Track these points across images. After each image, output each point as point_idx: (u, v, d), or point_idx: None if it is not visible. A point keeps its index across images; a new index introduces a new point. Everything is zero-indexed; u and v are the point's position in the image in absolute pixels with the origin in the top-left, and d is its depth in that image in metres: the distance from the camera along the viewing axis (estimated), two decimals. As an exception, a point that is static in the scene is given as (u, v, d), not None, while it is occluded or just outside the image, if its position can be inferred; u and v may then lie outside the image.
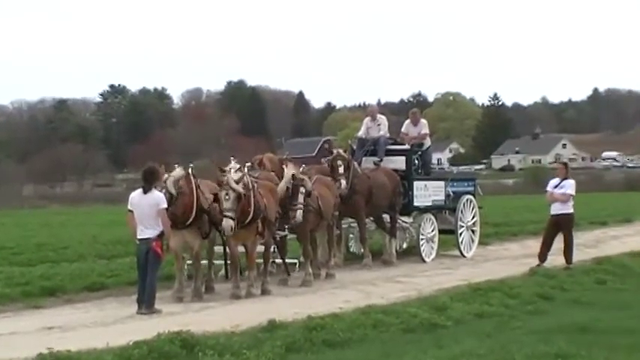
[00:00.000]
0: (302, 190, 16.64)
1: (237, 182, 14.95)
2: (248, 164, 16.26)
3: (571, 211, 18.74)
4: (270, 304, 14.61)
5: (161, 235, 13.88)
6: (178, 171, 15.01)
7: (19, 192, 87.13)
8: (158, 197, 13.94)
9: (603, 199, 53.76)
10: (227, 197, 14.81)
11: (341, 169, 18.93)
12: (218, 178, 15.37)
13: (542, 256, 18.73)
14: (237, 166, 15.81)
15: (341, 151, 19.52)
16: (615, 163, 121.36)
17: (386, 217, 20.50)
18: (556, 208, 18.63)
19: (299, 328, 11.00)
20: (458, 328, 11.82)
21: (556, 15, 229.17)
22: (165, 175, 14.77)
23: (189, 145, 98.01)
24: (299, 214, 16.54)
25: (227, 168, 15.40)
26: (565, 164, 20.13)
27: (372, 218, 20.44)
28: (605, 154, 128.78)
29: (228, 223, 14.75)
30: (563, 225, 18.63)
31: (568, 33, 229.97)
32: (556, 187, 18.70)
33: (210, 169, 17.04)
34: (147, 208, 13.85)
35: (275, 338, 10.54)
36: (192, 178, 15.13)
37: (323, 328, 11.00)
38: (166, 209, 13.98)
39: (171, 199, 14.49)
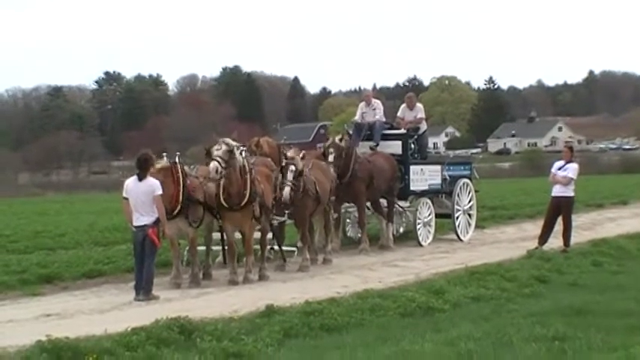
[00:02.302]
0: (292, 168, 16.50)
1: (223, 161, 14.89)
2: (243, 148, 16.17)
3: (572, 194, 18.76)
4: (268, 289, 14.62)
5: (157, 222, 13.87)
6: (156, 165, 14.74)
7: (15, 180, 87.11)
8: (153, 184, 13.92)
9: (599, 181, 53.78)
10: (218, 147, 14.91)
11: (331, 158, 18.86)
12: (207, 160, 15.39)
13: (542, 238, 18.76)
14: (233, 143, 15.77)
15: (337, 139, 19.42)
16: (611, 146, 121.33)
17: (383, 201, 20.51)
18: (557, 191, 18.66)
19: (297, 314, 11.02)
20: (455, 311, 11.84)
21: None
22: None
23: (184, 132, 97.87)
24: (286, 191, 16.33)
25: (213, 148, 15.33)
26: (571, 148, 20.13)
27: (368, 203, 20.46)
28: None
29: (214, 165, 14.72)
30: (563, 207, 18.66)
31: (563, 16, 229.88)
32: (560, 169, 18.73)
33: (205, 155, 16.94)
34: (142, 196, 13.84)
35: (273, 323, 10.56)
36: (178, 167, 15.06)
37: (321, 312, 11.03)
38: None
39: None
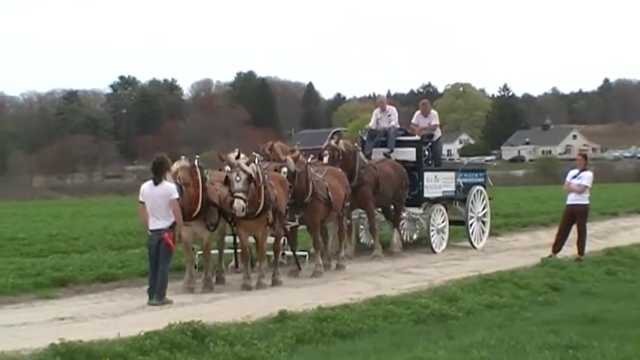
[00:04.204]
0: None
1: (247, 165, 14.97)
2: (256, 154, 16.14)
3: (586, 202, 18.72)
4: (281, 295, 14.63)
5: (173, 227, 13.90)
6: (175, 164, 14.87)
7: (30, 183, 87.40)
8: (169, 188, 13.94)
9: (614, 190, 53.57)
10: (238, 178, 14.81)
11: (325, 159, 18.85)
12: (220, 165, 15.40)
13: (556, 246, 18.71)
14: (243, 155, 15.76)
15: (333, 142, 19.42)
16: (626, 154, 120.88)
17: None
18: (571, 199, 18.63)
19: (309, 319, 10.99)
20: (468, 319, 11.82)
21: (567, 5, 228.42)
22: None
23: (198, 136, 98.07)
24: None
25: (227, 156, 15.36)
26: (585, 156, 20.10)
27: (380, 210, 20.46)
28: None
29: (239, 204, 14.68)
30: (577, 215, 18.63)
31: (579, 23, 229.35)
32: (574, 177, 18.70)
33: (218, 160, 16.95)
34: (158, 199, 13.86)
35: (286, 329, 10.55)
36: (197, 169, 15.09)
37: (333, 319, 11.00)
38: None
39: None
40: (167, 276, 14.05)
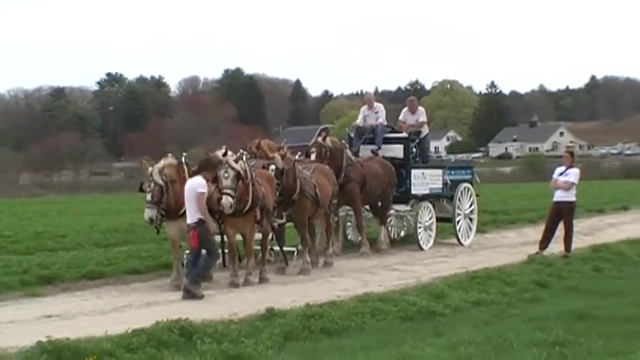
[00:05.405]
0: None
1: (235, 162, 14.98)
2: (243, 152, 16.10)
3: (573, 199, 18.77)
4: (269, 292, 14.61)
5: (199, 223, 14.00)
6: (162, 161, 14.93)
7: (16, 180, 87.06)
8: (199, 182, 14.12)
9: (600, 186, 53.74)
10: (226, 175, 14.80)
11: (313, 157, 18.86)
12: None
13: (543, 243, 18.76)
14: (230, 153, 15.74)
15: (320, 139, 19.42)
16: (612, 151, 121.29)
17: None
18: (558, 196, 18.69)
19: (297, 317, 11.00)
20: (456, 316, 11.84)
21: (554, 2, 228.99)
22: (150, 168, 14.81)
23: (186, 134, 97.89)
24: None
25: (214, 153, 15.37)
26: (571, 153, 20.14)
27: (367, 207, 20.48)
28: None
29: (227, 201, 14.66)
30: (564, 212, 18.68)
31: (566, 20, 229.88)
32: (561, 174, 18.75)
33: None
34: (189, 192, 14.13)
35: (273, 326, 10.56)
36: (184, 167, 15.08)
37: (321, 316, 11.02)
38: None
39: (161, 189, 14.56)
40: (205, 267, 14.36)
